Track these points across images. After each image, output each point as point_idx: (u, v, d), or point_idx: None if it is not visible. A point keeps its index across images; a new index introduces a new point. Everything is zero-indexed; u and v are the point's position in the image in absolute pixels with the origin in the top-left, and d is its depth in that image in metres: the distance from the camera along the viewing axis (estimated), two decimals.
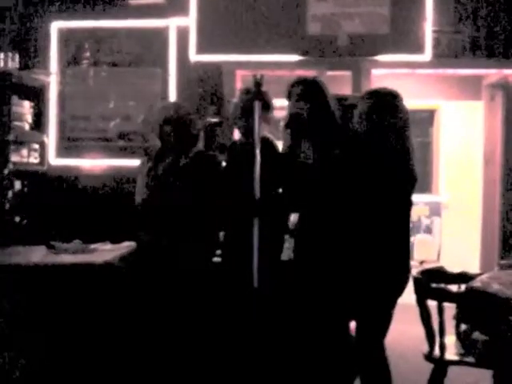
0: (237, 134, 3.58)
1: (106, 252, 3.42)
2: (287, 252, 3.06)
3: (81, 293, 3.06)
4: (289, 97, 2.97)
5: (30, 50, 4.81)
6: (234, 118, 3.15)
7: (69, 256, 3.34)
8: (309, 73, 4.55)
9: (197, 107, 4.46)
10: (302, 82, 2.96)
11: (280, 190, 3.04)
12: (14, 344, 3.04)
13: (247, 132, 3.02)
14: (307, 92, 2.91)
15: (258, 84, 2.77)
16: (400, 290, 2.71)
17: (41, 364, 3.05)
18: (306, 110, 2.89)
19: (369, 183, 2.66)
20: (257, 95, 2.74)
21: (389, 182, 2.67)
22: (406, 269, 2.75)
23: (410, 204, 2.76)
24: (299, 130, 2.92)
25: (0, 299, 3.05)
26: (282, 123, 4.39)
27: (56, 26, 4.80)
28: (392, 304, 2.72)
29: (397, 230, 2.74)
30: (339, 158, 2.76)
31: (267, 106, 3.04)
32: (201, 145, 3.39)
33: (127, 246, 3.55)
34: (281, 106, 3.31)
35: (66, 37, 4.82)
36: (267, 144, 3.02)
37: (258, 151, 2.71)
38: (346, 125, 2.87)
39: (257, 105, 2.74)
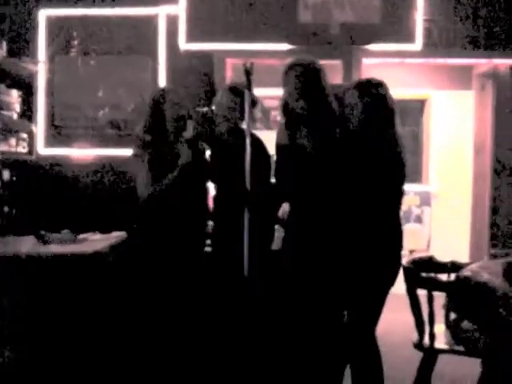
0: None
1: (95, 242, 3.41)
2: (278, 242, 3.06)
3: (71, 283, 3.05)
4: (286, 81, 2.80)
5: (18, 38, 4.75)
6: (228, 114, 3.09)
7: (58, 246, 3.32)
8: None
9: (187, 96, 4.42)
10: (299, 65, 2.79)
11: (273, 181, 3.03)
12: (2, 334, 3.03)
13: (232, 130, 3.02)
14: (307, 86, 2.76)
15: (248, 72, 2.74)
16: (392, 279, 2.72)
17: (29, 353, 3.05)
18: (305, 110, 2.78)
19: (366, 175, 2.66)
20: (247, 83, 2.72)
21: (386, 174, 2.68)
22: (398, 258, 2.76)
23: (402, 194, 2.78)
24: (298, 126, 2.84)
25: None
26: (273, 113, 4.35)
27: (44, 14, 4.74)
28: (384, 293, 2.73)
29: (389, 220, 2.75)
30: (338, 151, 2.75)
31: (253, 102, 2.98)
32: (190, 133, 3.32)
33: (117, 235, 3.54)
34: (271, 95, 3.30)
35: (54, 25, 4.76)
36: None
37: (248, 141, 2.70)
38: (344, 119, 2.80)
39: (247, 94, 2.72)
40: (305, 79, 2.74)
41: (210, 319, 3.08)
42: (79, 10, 4.71)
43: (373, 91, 2.73)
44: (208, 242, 3.22)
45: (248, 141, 2.73)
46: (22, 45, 4.75)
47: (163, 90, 3.32)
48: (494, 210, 5.49)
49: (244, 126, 2.81)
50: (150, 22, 4.69)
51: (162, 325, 3.02)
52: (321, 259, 2.79)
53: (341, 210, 2.72)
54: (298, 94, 2.75)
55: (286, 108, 2.83)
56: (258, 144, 3.03)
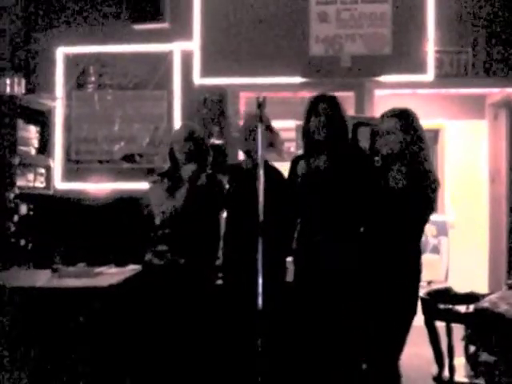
0: (241, 156, 3.62)
1: (110, 275, 3.41)
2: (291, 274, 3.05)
3: (86, 317, 3.05)
4: (311, 111, 2.99)
5: (36, 75, 4.86)
6: (239, 141, 3.24)
7: (73, 280, 3.33)
8: (312, 94, 4.58)
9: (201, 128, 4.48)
10: (324, 99, 3.00)
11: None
12: (17, 368, 3.03)
13: (248, 154, 3.14)
14: (331, 117, 2.94)
15: (260, 106, 2.78)
16: (412, 310, 2.70)
17: None
18: (327, 138, 2.93)
19: (390, 203, 2.68)
20: (260, 117, 2.75)
21: (411, 202, 2.70)
22: (417, 288, 2.75)
23: (425, 222, 2.79)
24: (317, 152, 2.98)
25: (4, 322, 3.04)
26: (287, 144, 4.37)
27: (62, 51, 4.86)
28: (405, 323, 2.71)
29: (410, 248, 2.75)
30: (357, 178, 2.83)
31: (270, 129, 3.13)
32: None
33: (132, 269, 3.55)
34: (285, 127, 3.35)
35: (71, 61, 4.88)
36: (269, 168, 3.07)
37: (261, 173, 2.71)
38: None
39: (259, 127, 2.75)
40: (331, 111, 2.94)
41: (222, 352, 3.06)
42: (95, 47, 4.82)
43: (413, 123, 2.81)
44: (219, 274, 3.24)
45: (261, 172, 2.74)
46: (39, 81, 4.85)
47: (179, 128, 3.47)
48: None
49: (259, 157, 2.83)
50: (165, 58, 4.78)
51: (175, 358, 3.00)
52: (338, 290, 2.79)
53: (360, 237, 2.74)
54: (323, 123, 2.92)
55: (307, 135, 2.99)
56: (275, 174, 3.08)
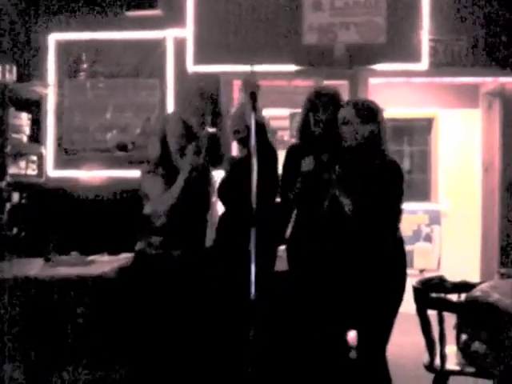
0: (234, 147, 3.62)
1: (103, 264, 3.42)
2: (284, 262, 3.05)
3: (78, 305, 3.05)
4: (312, 106, 2.93)
5: (27, 62, 4.82)
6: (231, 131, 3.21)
7: (66, 268, 3.33)
8: (306, 83, 4.57)
9: (194, 117, 4.46)
10: (326, 94, 2.94)
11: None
12: (11, 356, 3.03)
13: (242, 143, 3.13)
14: (332, 114, 2.87)
15: (253, 94, 2.76)
16: (397, 297, 2.72)
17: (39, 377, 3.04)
18: (326, 135, 2.88)
19: (369, 192, 2.67)
20: (252, 106, 2.73)
21: (386, 190, 2.69)
22: (401, 276, 2.76)
23: (400, 210, 2.79)
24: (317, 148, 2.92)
25: None
26: (280, 133, 4.36)
27: (54, 38, 4.81)
28: (390, 312, 2.72)
29: (389, 237, 2.75)
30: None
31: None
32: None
33: (125, 257, 3.54)
34: (278, 115, 3.33)
35: (63, 48, 4.83)
36: (270, 149, 3.06)
37: (254, 161, 2.70)
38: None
39: (252, 116, 2.73)
40: (333, 107, 2.86)
41: (213, 340, 3.07)
42: (88, 34, 4.78)
43: (370, 108, 2.77)
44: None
45: (255, 162, 2.73)
46: (31, 68, 4.81)
47: (166, 118, 3.35)
48: (504, 228, 5.45)
49: (251, 146, 2.82)
50: (157, 45, 4.75)
51: (167, 347, 3.00)
52: (326, 279, 2.79)
53: (345, 229, 2.74)
54: (324, 119, 2.87)
55: (305, 129, 2.94)
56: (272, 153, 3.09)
